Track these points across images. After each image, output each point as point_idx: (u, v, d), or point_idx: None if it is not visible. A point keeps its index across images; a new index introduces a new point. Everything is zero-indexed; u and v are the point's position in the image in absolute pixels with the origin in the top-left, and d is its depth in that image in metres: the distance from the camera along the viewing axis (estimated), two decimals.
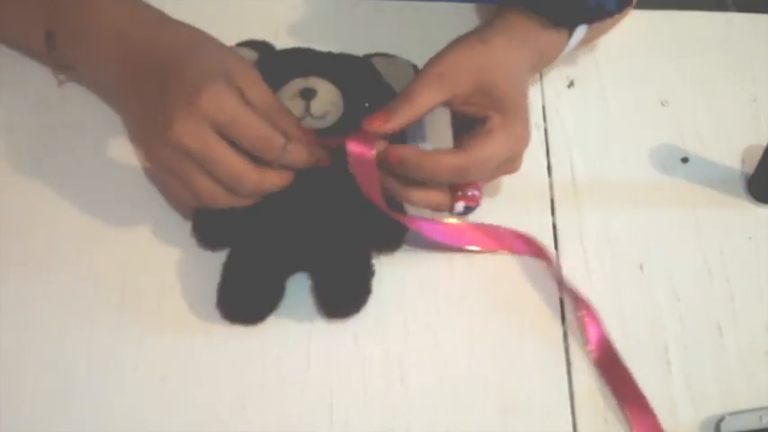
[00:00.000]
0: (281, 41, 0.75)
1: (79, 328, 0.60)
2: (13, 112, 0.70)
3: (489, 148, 0.60)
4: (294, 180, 0.60)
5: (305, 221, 0.61)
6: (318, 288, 0.61)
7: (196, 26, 0.63)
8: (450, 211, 0.61)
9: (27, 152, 0.68)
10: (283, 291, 0.61)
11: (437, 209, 0.61)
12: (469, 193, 0.61)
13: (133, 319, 0.61)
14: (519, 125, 0.61)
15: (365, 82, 0.66)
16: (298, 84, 0.63)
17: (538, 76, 0.74)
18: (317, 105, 0.62)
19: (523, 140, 0.62)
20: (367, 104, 0.63)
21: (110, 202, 0.65)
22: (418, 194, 0.60)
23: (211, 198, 0.59)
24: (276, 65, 0.66)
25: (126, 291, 0.62)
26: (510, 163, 0.62)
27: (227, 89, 0.57)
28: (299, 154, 0.59)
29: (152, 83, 0.59)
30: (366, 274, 0.61)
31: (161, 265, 0.63)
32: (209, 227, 0.62)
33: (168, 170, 0.59)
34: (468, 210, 0.61)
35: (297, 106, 0.62)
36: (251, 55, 0.67)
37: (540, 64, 0.69)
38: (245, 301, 0.60)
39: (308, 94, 0.62)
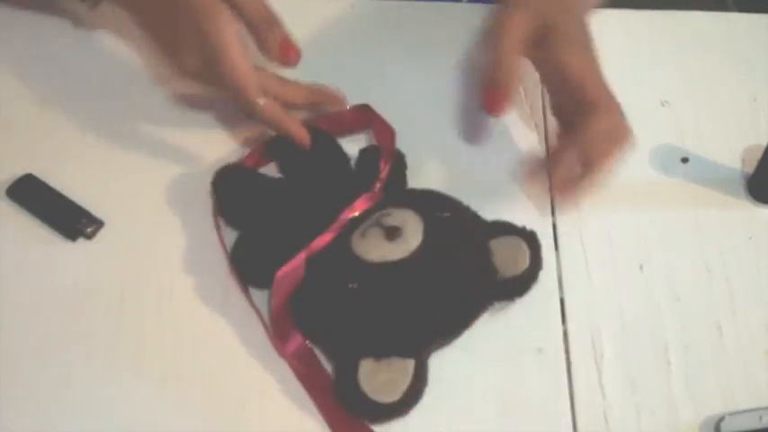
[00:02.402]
0: None
1: (79, 327, 0.60)
2: (12, 112, 0.70)
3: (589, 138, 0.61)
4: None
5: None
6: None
7: None
8: None
9: (27, 152, 0.68)
10: None
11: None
12: None
13: (133, 320, 0.61)
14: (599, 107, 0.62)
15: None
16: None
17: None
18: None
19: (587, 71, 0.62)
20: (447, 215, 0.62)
21: (110, 201, 0.65)
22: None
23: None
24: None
25: (126, 291, 0.62)
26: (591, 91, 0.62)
27: (229, 19, 0.58)
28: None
29: None
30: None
31: (161, 265, 0.63)
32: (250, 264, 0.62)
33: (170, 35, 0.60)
34: None
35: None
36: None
37: None
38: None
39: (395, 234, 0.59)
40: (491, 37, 0.62)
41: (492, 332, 0.61)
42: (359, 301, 0.58)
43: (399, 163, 0.67)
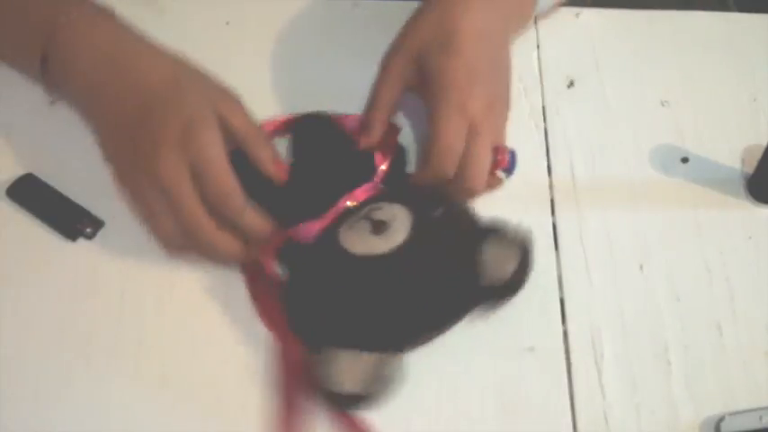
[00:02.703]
0: (281, 41, 0.75)
1: (79, 328, 0.60)
2: (13, 112, 0.70)
3: (436, 145, 0.62)
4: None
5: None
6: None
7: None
8: (499, 183, 0.67)
9: (27, 152, 0.68)
10: None
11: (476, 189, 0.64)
12: (498, 159, 0.64)
13: (133, 320, 0.61)
14: (452, 96, 0.62)
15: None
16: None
17: (538, 75, 0.74)
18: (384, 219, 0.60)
19: (471, 108, 0.62)
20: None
21: (110, 201, 0.65)
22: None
23: (166, 238, 0.60)
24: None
25: (126, 291, 0.62)
26: (483, 130, 0.62)
27: (215, 135, 0.59)
28: (254, 221, 0.60)
29: (136, 117, 0.60)
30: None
31: (161, 265, 0.63)
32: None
33: (140, 201, 0.60)
34: (507, 170, 0.65)
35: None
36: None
37: (516, 21, 0.72)
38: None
39: (381, 228, 0.59)
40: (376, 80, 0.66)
41: (492, 332, 0.61)
42: (338, 291, 0.58)
43: (400, 158, 0.67)
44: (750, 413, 0.58)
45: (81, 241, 0.64)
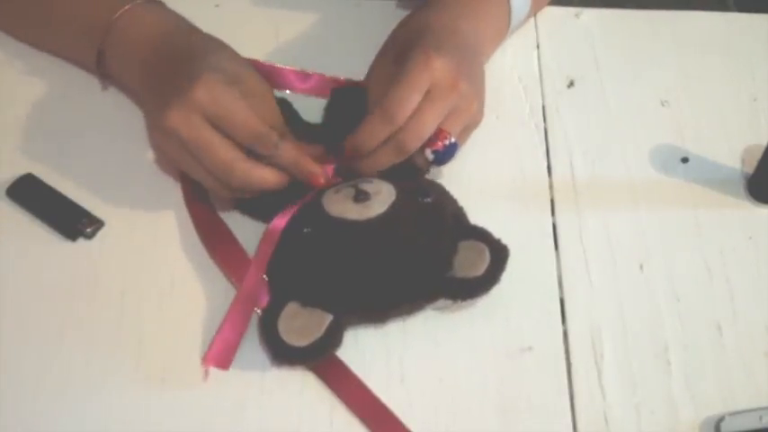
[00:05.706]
0: (282, 41, 0.75)
1: (79, 327, 0.60)
2: (13, 111, 0.70)
3: (392, 92, 0.60)
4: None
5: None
6: None
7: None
8: (424, 163, 0.64)
9: (27, 152, 0.68)
10: None
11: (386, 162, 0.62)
12: (436, 140, 0.62)
13: (133, 320, 0.61)
14: (418, 54, 0.61)
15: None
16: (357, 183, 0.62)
17: (538, 75, 0.74)
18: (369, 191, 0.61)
19: (434, 68, 0.60)
20: (429, 200, 0.63)
21: (110, 201, 0.65)
22: (369, 162, 0.63)
23: (207, 185, 0.61)
24: None
25: (126, 291, 0.62)
26: (439, 97, 0.61)
27: (222, 83, 0.58)
28: (291, 153, 0.60)
29: (164, 75, 0.61)
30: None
31: (161, 265, 0.63)
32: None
33: (165, 154, 0.62)
34: (437, 155, 0.63)
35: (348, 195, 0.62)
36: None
37: (492, 35, 0.71)
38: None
39: (361, 197, 0.61)
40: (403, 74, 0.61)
41: (492, 332, 0.61)
42: (304, 247, 0.60)
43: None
44: (750, 413, 0.58)
45: (81, 241, 0.64)
